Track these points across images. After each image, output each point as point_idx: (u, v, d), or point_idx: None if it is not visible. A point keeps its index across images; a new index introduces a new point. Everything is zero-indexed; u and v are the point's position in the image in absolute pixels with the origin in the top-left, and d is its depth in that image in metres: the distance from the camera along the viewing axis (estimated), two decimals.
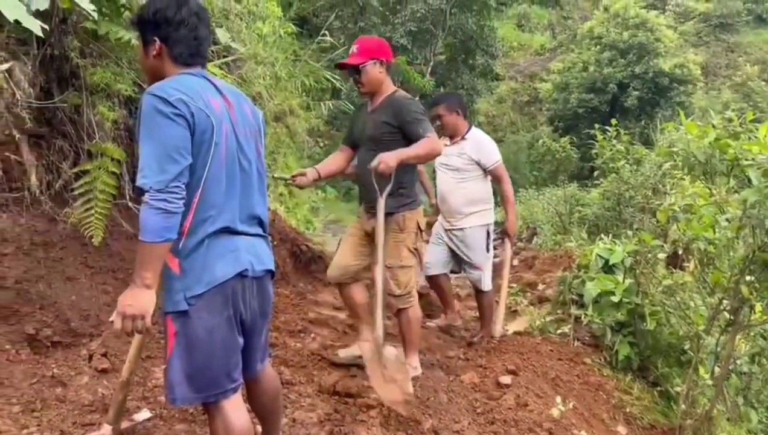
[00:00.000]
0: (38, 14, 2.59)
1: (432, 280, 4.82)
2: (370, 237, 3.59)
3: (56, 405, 2.72)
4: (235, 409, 2.07)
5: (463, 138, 4.47)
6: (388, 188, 3.27)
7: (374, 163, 3.15)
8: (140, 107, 1.92)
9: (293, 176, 3.51)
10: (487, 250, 4.53)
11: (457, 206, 4.48)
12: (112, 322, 1.91)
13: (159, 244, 1.84)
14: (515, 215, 4.63)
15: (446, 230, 4.61)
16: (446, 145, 4.43)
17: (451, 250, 4.60)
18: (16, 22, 2.50)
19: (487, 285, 4.55)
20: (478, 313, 4.95)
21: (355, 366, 3.61)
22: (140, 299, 1.86)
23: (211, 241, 1.99)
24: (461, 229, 4.50)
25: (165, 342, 2.02)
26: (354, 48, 3.51)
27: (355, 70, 3.46)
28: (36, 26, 2.51)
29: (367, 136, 3.52)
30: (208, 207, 1.98)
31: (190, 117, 1.90)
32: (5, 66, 2.79)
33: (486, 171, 4.45)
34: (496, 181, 4.52)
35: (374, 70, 3.43)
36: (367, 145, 3.51)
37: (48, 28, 2.75)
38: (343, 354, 3.74)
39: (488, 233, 4.52)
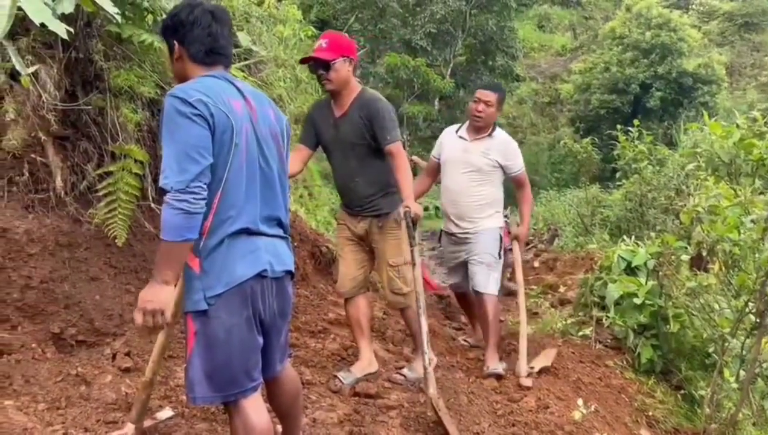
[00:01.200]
0: (63, 18, 2.63)
1: (462, 298, 4.58)
2: (362, 240, 3.62)
3: (80, 403, 2.76)
4: (255, 408, 2.08)
5: (489, 135, 4.13)
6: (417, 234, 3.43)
7: (404, 210, 3.30)
8: (162, 109, 1.96)
9: None
10: (498, 254, 4.12)
11: (470, 211, 4.12)
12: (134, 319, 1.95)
13: (179, 243, 1.88)
14: (529, 224, 4.39)
15: (451, 235, 4.25)
16: (462, 139, 4.18)
17: (461, 261, 4.22)
18: (42, 25, 2.55)
19: (489, 286, 4.01)
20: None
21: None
22: (160, 295, 1.90)
23: (231, 241, 2.01)
24: (475, 233, 4.12)
25: (185, 341, 2.05)
26: (322, 42, 3.36)
27: (323, 66, 3.33)
28: (61, 29, 2.56)
29: (343, 141, 3.46)
30: (228, 207, 2.00)
31: (209, 117, 1.93)
32: (32, 69, 2.84)
33: (508, 176, 4.18)
34: (518, 186, 4.24)
35: (344, 68, 3.34)
36: (343, 151, 3.48)
37: (73, 31, 2.80)
38: (347, 381, 3.46)
39: (500, 237, 4.15)
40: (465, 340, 4.69)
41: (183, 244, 1.89)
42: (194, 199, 1.87)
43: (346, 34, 3.74)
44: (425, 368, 3.20)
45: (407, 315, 3.64)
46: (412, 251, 3.38)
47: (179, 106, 1.90)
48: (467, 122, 4.24)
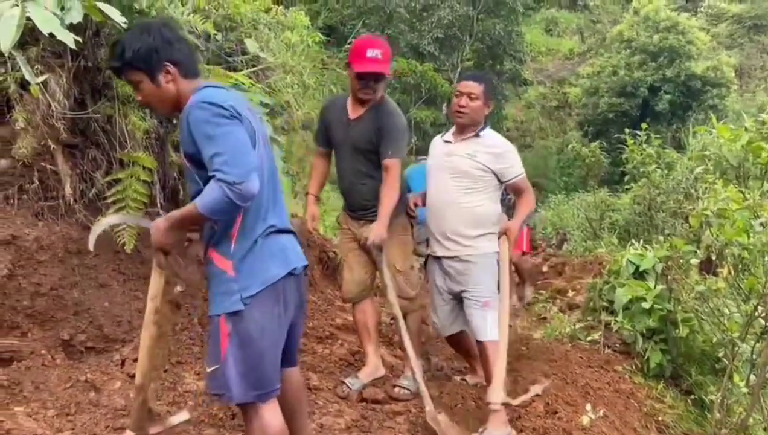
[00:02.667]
0: (72, 27, 2.66)
1: (454, 340, 3.80)
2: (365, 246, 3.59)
3: (89, 409, 2.78)
4: (273, 410, 2.16)
5: (476, 135, 3.45)
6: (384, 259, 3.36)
7: (370, 239, 3.25)
8: (189, 122, 2.00)
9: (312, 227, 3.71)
10: (497, 285, 3.43)
11: (457, 226, 3.41)
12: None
13: (206, 218, 2.03)
14: (523, 221, 3.55)
15: (437, 259, 3.53)
16: (447, 142, 3.55)
17: (454, 294, 3.53)
18: (51, 35, 2.57)
19: (489, 332, 3.35)
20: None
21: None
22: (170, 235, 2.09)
23: (263, 241, 2.11)
24: (466, 257, 3.41)
25: (214, 344, 2.11)
26: (377, 53, 3.31)
27: (376, 77, 3.32)
28: (70, 39, 2.58)
29: (353, 143, 3.47)
30: (258, 207, 2.10)
31: (240, 120, 2.02)
32: (41, 78, 2.86)
33: (504, 184, 3.48)
34: (518, 193, 3.52)
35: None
36: (351, 153, 3.49)
37: (81, 40, 2.82)
38: (354, 386, 3.46)
39: (497, 264, 3.44)
40: (463, 379, 4.02)
41: (207, 220, 2.05)
42: (248, 192, 1.94)
43: (383, 39, 3.71)
44: (418, 386, 3.20)
45: (410, 321, 3.63)
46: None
47: (216, 109, 1.98)
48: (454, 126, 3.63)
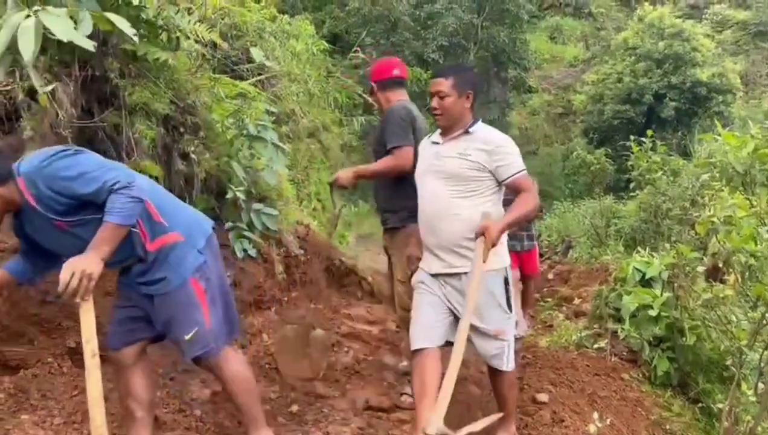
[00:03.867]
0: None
1: (417, 355, 2.91)
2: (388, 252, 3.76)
3: None
4: (236, 353, 2.65)
5: (466, 132, 2.99)
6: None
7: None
8: (43, 188, 2.15)
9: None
10: (509, 306, 2.98)
11: (454, 236, 2.92)
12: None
13: (127, 227, 2.23)
14: (516, 221, 2.93)
15: (435, 276, 2.99)
16: (435, 143, 3.08)
17: (450, 310, 2.96)
18: (59, 44, 2.59)
19: (508, 362, 2.98)
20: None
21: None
22: (95, 265, 2.16)
23: (183, 208, 2.58)
24: (464, 274, 2.87)
25: (190, 310, 2.39)
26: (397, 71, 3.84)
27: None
28: (90, 45, 2.61)
29: (372, 150, 3.75)
30: (156, 192, 2.51)
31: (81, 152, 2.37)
32: (49, 87, 2.88)
33: (503, 184, 2.97)
34: (517, 191, 2.94)
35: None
36: (375, 160, 3.65)
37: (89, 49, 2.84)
38: None
39: (506, 280, 2.98)
40: None
41: (127, 228, 2.23)
42: (140, 185, 2.28)
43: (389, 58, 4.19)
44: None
45: None
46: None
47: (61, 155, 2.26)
48: None
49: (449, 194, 2.93)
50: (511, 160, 2.94)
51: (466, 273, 2.84)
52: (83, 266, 2.11)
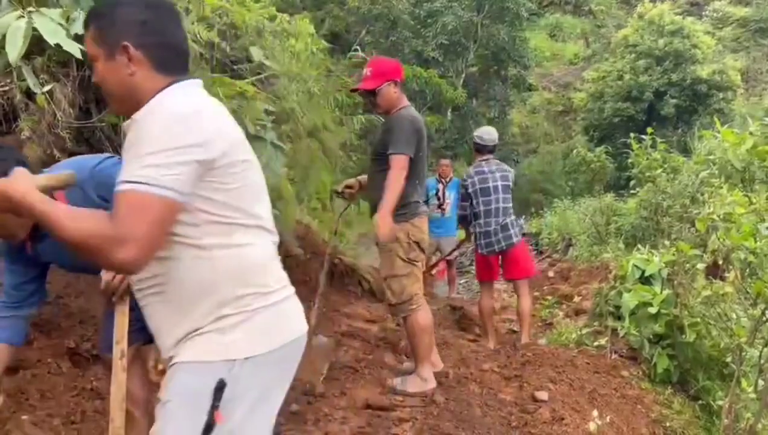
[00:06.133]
0: (77, 38, 2.68)
1: None
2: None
3: (95, 417, 2.78)
4: None
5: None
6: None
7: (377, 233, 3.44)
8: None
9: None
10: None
11: None
12: None
13: None
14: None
15: None
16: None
17: None
18: (57, 45, 2.60)
19: None
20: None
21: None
22: None
23: None
24: None
25: None
26: (367, 71, 3.61)
27: (370, 93, 3.59)
28: (75, 49, 2.60)
29: (371, 151, 3.78)
30: None
31: None
32: (46, 88, 2.89)
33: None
34: None
35: (389, 91, 3.57)
36: (371, 160, 3.72)
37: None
38: None
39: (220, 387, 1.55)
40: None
41: None
42: None
43: (385, 58, 4.05)
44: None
45: (406, 325, 3.69)
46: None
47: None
48: None
49: None
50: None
51: None
52: None
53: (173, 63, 1.55)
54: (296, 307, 1.67)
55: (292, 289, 1.67)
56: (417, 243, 3.59)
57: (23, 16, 2.48)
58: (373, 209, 3.64)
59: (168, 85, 1.50)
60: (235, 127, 1.59)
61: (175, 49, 1.57)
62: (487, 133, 5.17)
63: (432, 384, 3.65)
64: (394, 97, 3.59)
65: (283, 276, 1.66)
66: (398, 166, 3.41)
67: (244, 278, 1.51)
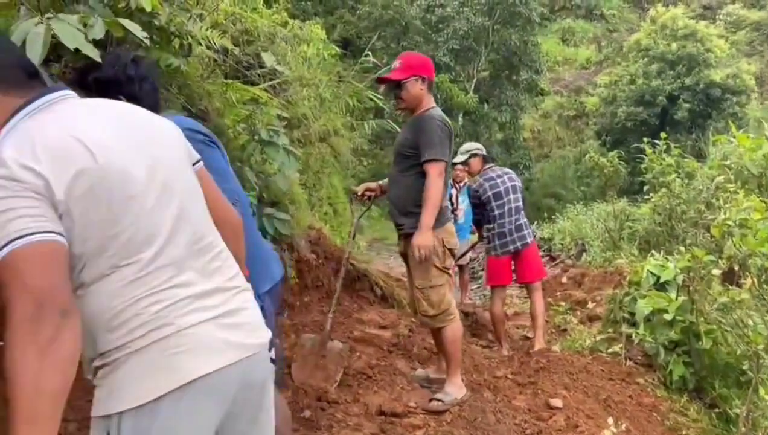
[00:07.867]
0: (94, 43, 2.70)
1: None
2: (405, 258, 3.62)
3: None
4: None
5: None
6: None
7: (414, 253, 3.23)
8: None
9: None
10: None
11: None
12: None
13: None
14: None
15: None
16: None
17: None
18: (77, 50, 2.61)
19: None
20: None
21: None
22: None
23: None
24: None
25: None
26: (397, 63, 3.48)
27: (396, 86, 3.43)
28: (95, 53, 2.62)
29: (394, 151, 3.59)
30: None
31: None
32: None
33: None
34: None
35: (415, 87, 3.41)
36: (394, 161, 3.57)
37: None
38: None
39: None
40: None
41: None
42: None
43: (418, 53, 3.84)
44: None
45: (440, 337, 3.56)
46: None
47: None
48: None
49: None
50: None
51: None
52: None
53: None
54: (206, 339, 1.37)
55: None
56: (450, 250, 3.48)
57: (42, 23, 2.50)
58: (396, 211, 3.53)
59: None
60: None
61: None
62: (477, 146, 5.62)
63: (464, 391, 3.59)
64: (420, 94, 3.42)
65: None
66: (436, 173, 3.27)
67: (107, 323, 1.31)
